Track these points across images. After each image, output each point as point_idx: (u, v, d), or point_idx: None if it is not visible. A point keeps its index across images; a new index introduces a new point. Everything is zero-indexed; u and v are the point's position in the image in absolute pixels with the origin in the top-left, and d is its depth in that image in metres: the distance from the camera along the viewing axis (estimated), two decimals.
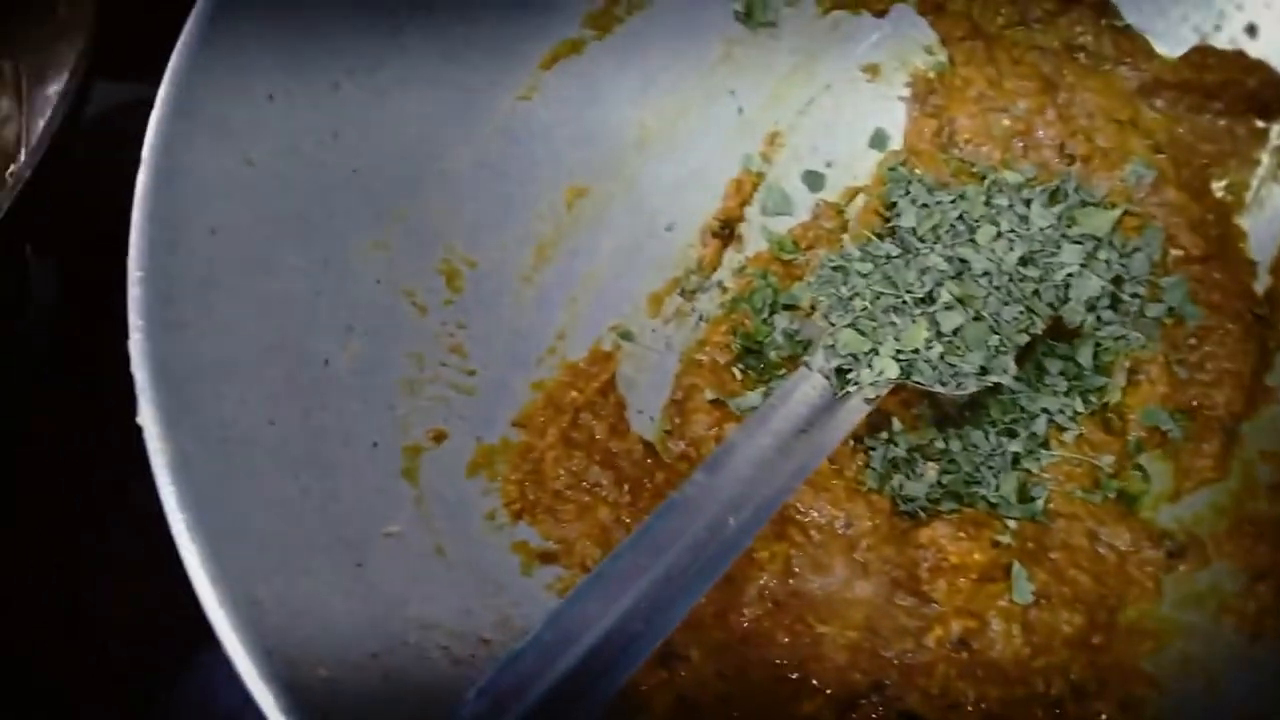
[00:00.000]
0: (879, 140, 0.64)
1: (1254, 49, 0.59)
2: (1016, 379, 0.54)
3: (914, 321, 0.52)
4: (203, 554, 0.35)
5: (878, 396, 0.50)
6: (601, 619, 0.37)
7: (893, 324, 0.52)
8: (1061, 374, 0.57)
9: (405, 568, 0.43)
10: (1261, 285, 0.57)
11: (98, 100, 0.58)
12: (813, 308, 0.57)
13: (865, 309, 0.53)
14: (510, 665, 0.35)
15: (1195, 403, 0.55)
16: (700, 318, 0.61)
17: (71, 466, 0.63)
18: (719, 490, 0.43)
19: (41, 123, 0.55)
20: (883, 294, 0.54)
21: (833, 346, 0.52)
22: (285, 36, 0.48)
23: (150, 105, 0.43)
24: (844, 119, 0.65)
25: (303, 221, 0.47)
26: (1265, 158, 0.59)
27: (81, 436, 0.62)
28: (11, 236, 0.56)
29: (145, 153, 0.41)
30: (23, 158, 0.62)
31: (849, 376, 0.51)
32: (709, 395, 0.57)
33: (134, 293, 0.39)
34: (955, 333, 0.52)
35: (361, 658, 0.38)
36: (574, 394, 0.55)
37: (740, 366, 0.59)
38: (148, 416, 0.36)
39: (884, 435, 0.55)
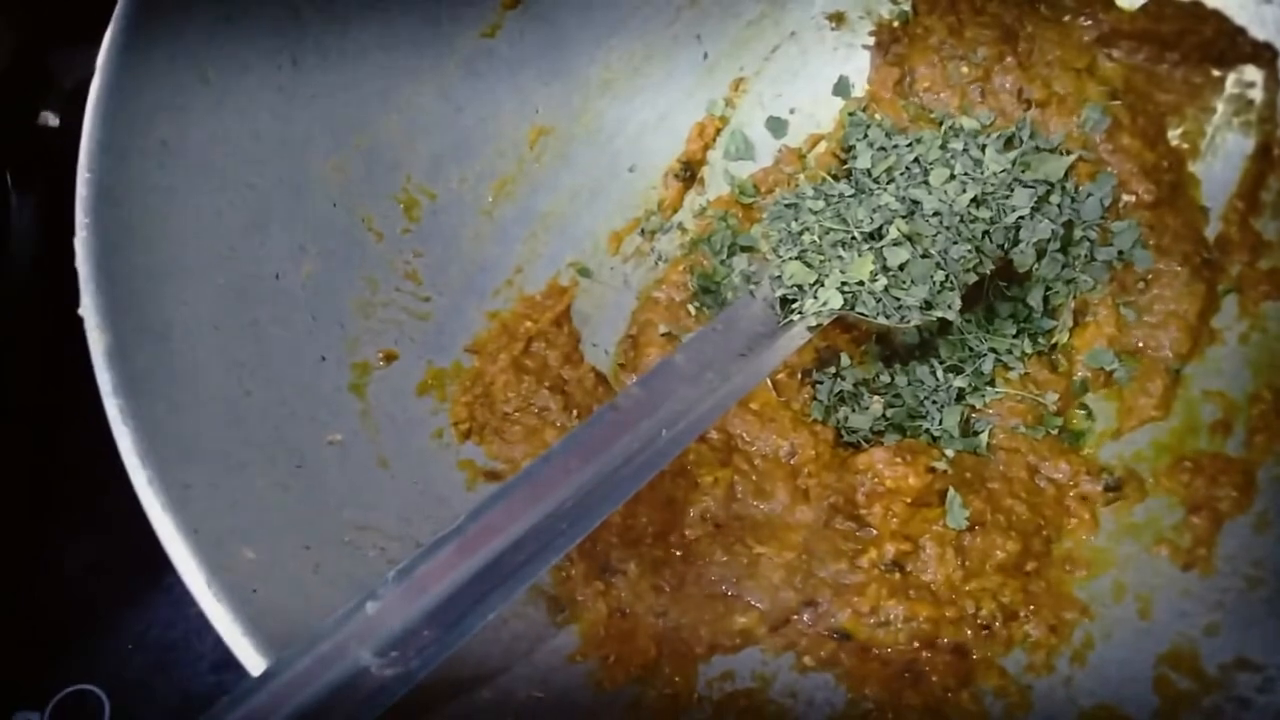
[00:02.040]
0: (842, 88, 0.65)
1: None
2: (965, 319, 0.55)
3: (860, 255, 0.53)
4: (135, 438, 0.36)
5: (819, 325, 0.51)
6: (526, 515, 0.38)
7: (840, 258, 0.53)
8: (1011, 315, 0.58)
9: (346, 474, 0.45)
10: (1212, 231, 0.58)
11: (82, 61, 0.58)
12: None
13: (814, 243, 0.54)
14: (431, 551, 0.37)
15: (1141, 344, 0.56)
16: (659, 258, 0.62)
17: (47, 409, 0.64)
18: (654, 403, 0.44)
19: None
20: (832, 229, 0.54)
21: (779, 276, 0.52)
22: None
23: None
24: (808, 66, 0.65)
25: (257, 141, 0.48)
26: (1220, 105, 0.60)
27: (56, 375, 0.63)
28: None
29: (100, 59, 0.42)
30: None
31: (793, 306, 0.52)
32: (663, 329, 0.58)
33: (81, 192, 0.40)
34: (901, 268, 0.53)
35: (294, 548, 0.39)
36: (528, 324, 0.56)
37: (695, 305, 0.60)
38: (88, 307, 0.38)
39: (831, 370, 0.56)
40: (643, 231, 0.62)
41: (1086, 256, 0.58)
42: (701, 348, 0.48)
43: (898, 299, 0.52)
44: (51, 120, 0.66)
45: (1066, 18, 0.62)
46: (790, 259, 0.53)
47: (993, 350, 0.57)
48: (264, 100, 0.49)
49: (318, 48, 0.52)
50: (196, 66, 0.47)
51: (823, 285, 0.52)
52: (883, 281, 0.52)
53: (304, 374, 0.46)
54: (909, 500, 0.50)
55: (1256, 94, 0.59)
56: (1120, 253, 0.57)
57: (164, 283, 0.42)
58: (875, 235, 0.54)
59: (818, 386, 0.56)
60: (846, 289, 0.52)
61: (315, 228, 0.50)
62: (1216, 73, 0.60)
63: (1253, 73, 0.59)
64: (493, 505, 0.38)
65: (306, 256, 0.49)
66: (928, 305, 0.52)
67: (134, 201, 0.42)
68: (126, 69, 0.43)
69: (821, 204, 0.57)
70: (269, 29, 0.50)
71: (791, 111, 0.65)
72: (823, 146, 0.64)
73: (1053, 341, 0.57)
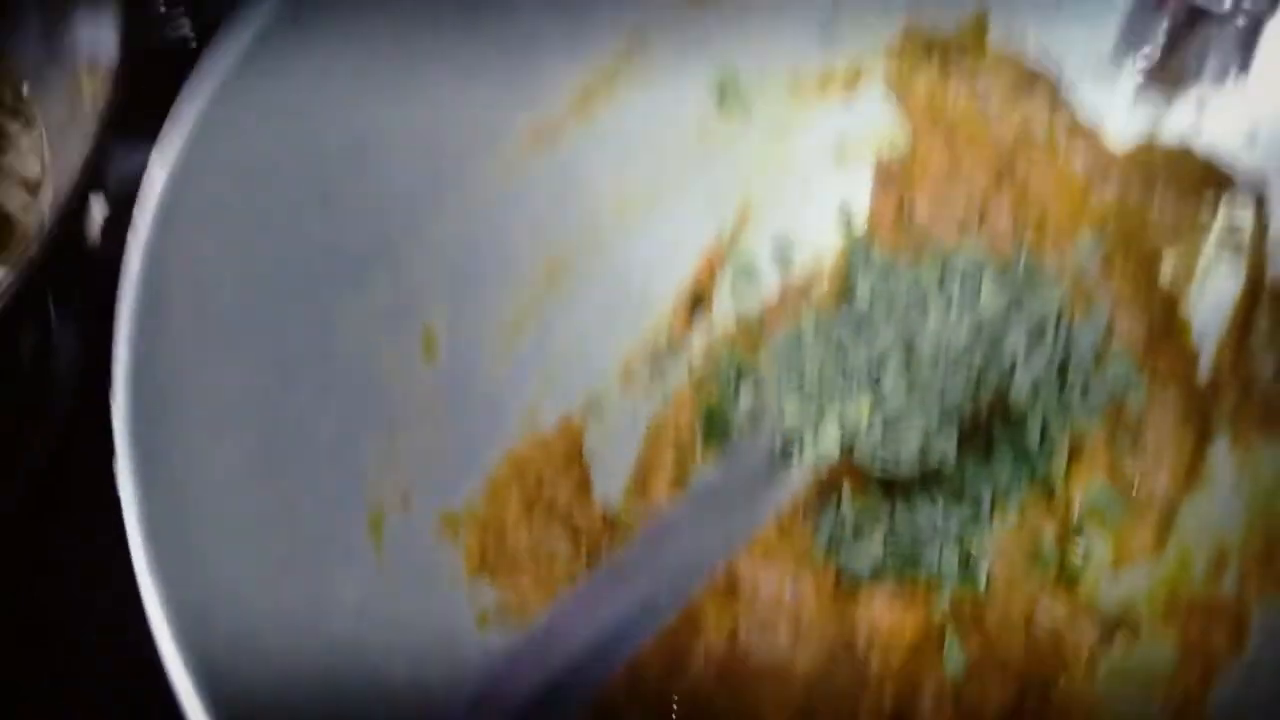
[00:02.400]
0: (844, 219, 0.67)
1: (1198, 144, 0.62)
2: (962, 454, 0.56)
3: (858, 400, 0.54)
4: (157, 588, 0.38)
5: (818, 472, 0.53)
6: (530, 679, 0.40)
7: (837, 401, 0.55)
8: (1008, 448, 0.59)
9: (361, 627, 0.46)
10: (1204, 367, 0.60)
11: (120, 161, 0.61)
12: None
13: (813, 384, 0.56)
14: None
15: (1136, 482, 0.58)
16: (667, 390, 0.64)
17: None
18: (657, 556, 0.46)
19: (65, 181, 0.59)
20: (831, 370, 0.56)
21: (779, 420, 0.54)
22: (282, 110, 0.52)
23: None
24: (811, 198, 0.68)
25: (286, 288, 0.51)
26: (1210, 244, 0.62)
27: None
28: (37, 288, 0.60)
29: (139, 230, 0.45)
30: (47, 211, 0.67)
31: (790, 452, 0.53)
32: (670, 468, 0.60)
33: (119, 357, 0.42)
34: (898, 412, 0.54)
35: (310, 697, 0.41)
36: (540, 464, 0.58)
37: (701, 440, 0.62)
38: (123, 470, 0.40)
39: (833, 503, 0.58)
40: (651, 364, 0.64)
41: (1081, 393, 0.59)
42: (704, 496, 0.50)
43: (894, 445, 0.54)
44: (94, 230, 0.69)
45: (1060, 154, 0.65)
46: (790, 402, 0.55)
47: (990, 484, 0.59)
48: (294, 244, 0.52)
49: (344, 188, 0.55)
50: (233, 220, 0.49)
51: (820, 430, 0.54)
52: (879, 428, 0.54)
53: (323, 526, 0.48)
54: (908, 642, 0.51)
55: (1244, 234, 0.61)
56: (1114, 389, 0.59)
57: (194, 444, 0.44)
58: (873, 377, 0.56)
59: (819, 521, 0.58)
60: (845, 433, 0.54)
61: (339, 374, 0.53)
62: (1205, 212, 0.62)
63: (1240, 214, 0.61)
64: (496, 669, 0.40)
65: (330, 404, 0.52)
66: (924, 450, 0.54)
67: (169, 369, 0.44)
68: (162, 238, 0.46)
69: (822, 341, 0.58)
70: (301, 172, 0.53)
71: (796, 242, 0.68)
72: (826, 276, 0.66)
73: (1049, 476, 0.59)
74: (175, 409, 0.44)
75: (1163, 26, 0.40)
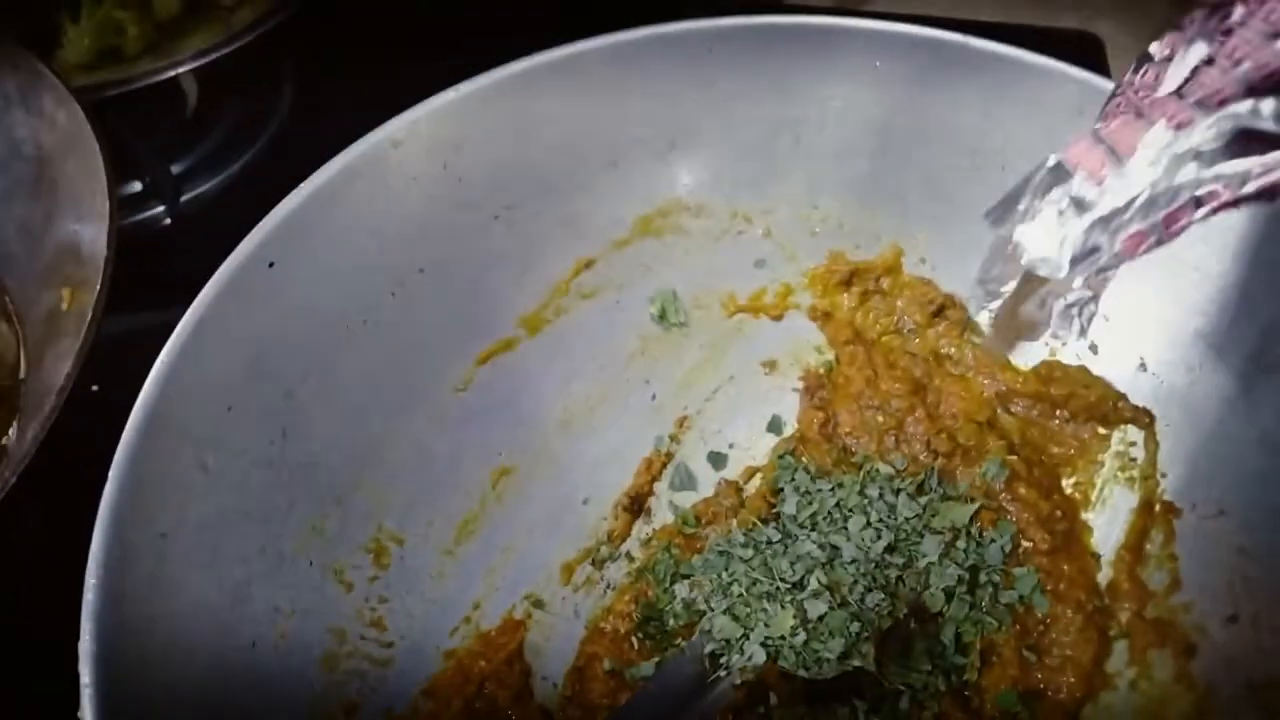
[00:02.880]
0: (775, 425, 0.73)
1: (1095, 365, 0.68)
2: (882, 657, 0.60)
3: (783, 608, 0.58)
4: None
5: (745, 680, 0.56)
6: None
7: (764, 610, 0.59)
8: (925, 652, 0.63)
9: None
10: (1104, 578, 0.64)
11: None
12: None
13: (741, 595, 0.60)
14: None
15: (1042, 685, 0.61)
16: (608, 586, 0.68)
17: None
18: None
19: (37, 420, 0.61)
20: (758, 580, 0.60)
21: (709, 631, 0.58)
22: (249, 352, 0.57)
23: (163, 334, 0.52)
24: (745, 406, 0.74)
25: (245, 517, 0.55)
26: (1108, 460, 0.67)
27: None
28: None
29: (111, 471, 0.49)
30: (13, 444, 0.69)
31: (721, 660, 0.57)
32: (607, 665, 0.63)
33: (87, 598, 0.46)
34: (820, 620, 0.58)
35: None
36: (482, 663, 0.61)
37: (639, 635, 0.65)
38: (88, 713, 0.43)
39: (760, 709, 0.61)
40: (593, 561, 0.68)
41: (991, 599, 0.64)
42: (638, 709, 0.53)
43: (816, 651, 0.58)
44: None
45: (969, 374, 0.71)
46: (720, 613, 0.59)
47: (909, 687, 0.62)
48: (255, 477, 0.56)
49: (307, 419, 0.60)
50: (198, 457, 0.54)
51: (748, 639, 0.58)
52: (803, 635, 0.57)
53: None
54: None
55: (1139, 452, 0.66)
56: (1021, 597, 0.64)
57: (155, 671, 0.47)
58: (798, 586, 0.60)
59: None
60: (770, 644, 0.57)
61: (292, 588, 0.56)
62: (1102, 431, 0.68)
63: (1135, 433, 0.67)
64: None
65: (281, 617, 0.55)
66: (845, 655, 0.58)
67: (133, 598, 0.48)
68: (136, 468, 0.50)
69: (751, 552, 0.63)
70: (264, 410, 0.58)
71: (730, 446, 0.73)
72: (758, 479, 0.71)
73: (964, 678, 0.63)
74: (138, 655, 0.47)
75: (1011, 281, 0.45)
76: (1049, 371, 0.69)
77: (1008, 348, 0.54)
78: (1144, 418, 0.66)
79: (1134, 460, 0.66)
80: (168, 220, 0.92)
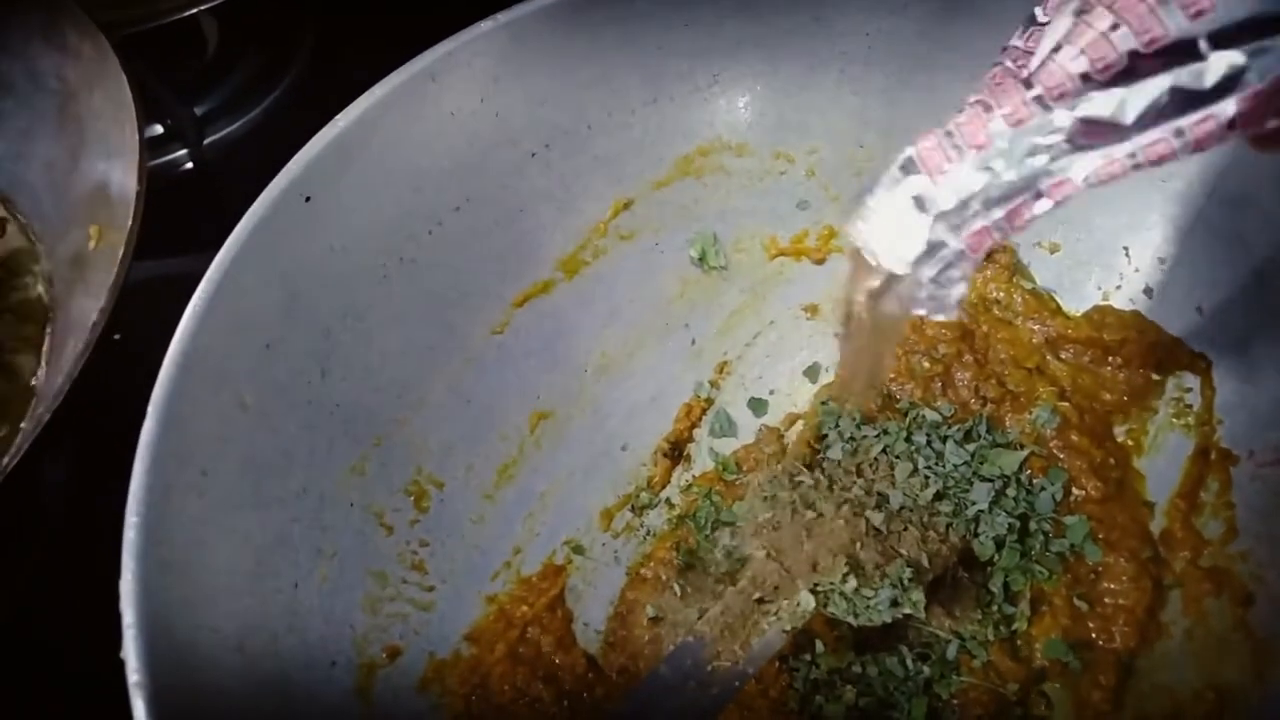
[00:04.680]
0: (814, 372, 0.71)
1: (1149, 309, 0.66)
2: (930, 605, 0.59)
3: (833, 555, 0.57)
4: None
5: (794, 628, 0.55)
6: None
7: (811, 556, 0.58)
8: (974, 601, 0.62)
9: None
10: (1157, 526, 0.63)
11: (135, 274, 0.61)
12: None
13: (788, 540, 0.58)
14: None
15: (1094, 635, 0.60)
16: (648, 533, 0.67)
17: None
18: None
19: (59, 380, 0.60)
20: (805, 527, 0.59)
21: (755, 577, 0.57)
22: (286, 289, 0.56)
23: (186, 281, 0.50)
24: (785, 352, 0.72)
25: (286, 456, 0.54)
26: (1161, 407, 0.66)
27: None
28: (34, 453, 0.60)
29: (150, 407, 0.47)
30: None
31: (768, 607, 0.56)
32: (650, 612, 0.62)
33: (128, 536, 0.44)
34: (870, 566, 0.57)
35: None
36: (524, 608, 0.60)
37: (680, 582, 0.64)
38: (131, 653, 0.42)
39: (807, 657, 0.60)
40: (633, 508, 0.67)
41: (1042, 548, 0.62)
42: (684, 658, 0.52)
43: (867, 598, 0.56)
44: None
45: (1018, 320, 0.69)
46: (766, 558, 0.58)
47: (957, 636, 0.61)
48: (294, 417, 0.55)
49: (344, 358, 0.58)
50: (237, 395, 0.52)
51: (796, 586, 0.56)
52: (853, 582, 0.56)
53: (315, 683, 0.50)
54: None
55: (1194, 399, 0.65)
56: (1072, 545, 0.62)
57: (196, 612, 0.46)
58: (847, 533, 0.59)
59: (794, 674, 0.60)
60: (819, 590, 0.56)
61: (333, 530, 0.55)
62: (1156, 377, 0.66)
63: (1190, 379, 0.65)
64: None
65: (323, 560, 0.54)
66: (894, 603, 0.57)
67: (175, 537, 0.46)
68: (175, 406, 0.49)
69: (795, 497, 0.61)
70: (302, 349, 0.56)
71: (771, 392, 0.71)
72: (800, 425, 0.70)
73: (1013, 628, 0.61)
74: (179, 594, 0.45)
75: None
76: (1101, 317, 0.67)
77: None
78: (1200, 363, 0.64)
79: (1189, 407, 0.65)
80: (189, 164, 0.90)
